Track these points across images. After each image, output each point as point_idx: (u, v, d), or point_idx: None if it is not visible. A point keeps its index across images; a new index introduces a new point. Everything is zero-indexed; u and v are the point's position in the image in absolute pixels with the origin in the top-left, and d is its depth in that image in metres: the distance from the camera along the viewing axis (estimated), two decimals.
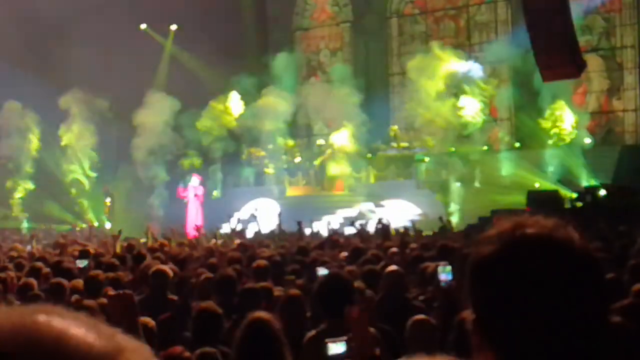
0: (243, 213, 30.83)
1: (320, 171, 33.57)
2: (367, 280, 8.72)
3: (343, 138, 32.46)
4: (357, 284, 8.02)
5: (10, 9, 32.31)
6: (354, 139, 32.30)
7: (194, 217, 30.40)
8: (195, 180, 32.03)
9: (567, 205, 24.86)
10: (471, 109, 31.26)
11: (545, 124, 30.82)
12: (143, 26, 36.58)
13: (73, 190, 35.25)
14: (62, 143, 35.32)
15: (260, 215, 29.03)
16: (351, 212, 29.12)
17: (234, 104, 34.93)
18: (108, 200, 34.73)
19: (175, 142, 34.20)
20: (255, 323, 5.40)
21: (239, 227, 25.83)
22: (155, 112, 33.12)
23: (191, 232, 27.54)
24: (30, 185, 34.86)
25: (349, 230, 22.15)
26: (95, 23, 32.59)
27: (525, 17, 19.87)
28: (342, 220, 27.57)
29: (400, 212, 28.22)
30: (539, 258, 1.81)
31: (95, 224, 32.05)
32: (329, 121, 33.97)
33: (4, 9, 32.17)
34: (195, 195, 31.83)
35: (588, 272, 1.83)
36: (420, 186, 31.07)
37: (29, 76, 32.44)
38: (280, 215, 24.50)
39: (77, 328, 1.06)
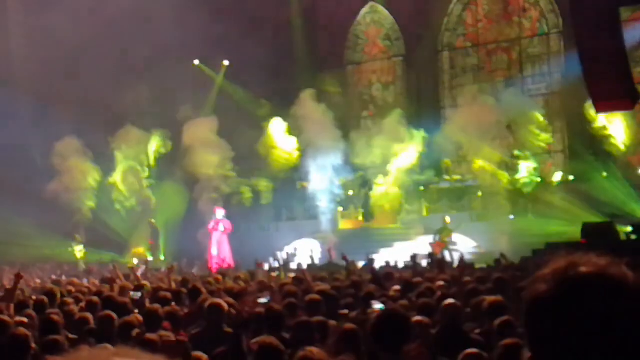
0: (286, 251, 30.67)
1: (367, 202, 33.49)
2: (423, 313, 8.73)
3: (405, 160, 32.27)
4: (416, 318, 8.04)
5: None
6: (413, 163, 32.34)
7: (218, 251, 30.34)
8: (219, 213, 31.50)
9: (623, 238, 24.50)
10: (525, 171, 31.29)
11: (599, 155, 30.55)
12: (196, 62, 37.13)
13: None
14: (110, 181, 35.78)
15: (299, 254, 28.83)
16: (411, 245, 28.90)
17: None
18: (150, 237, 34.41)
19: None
20: (306, 358, 5.38)
21: (289, 260, 25.81)
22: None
23: (213, 266, 27.55)
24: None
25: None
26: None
27: (578, 48, 19.75)
28: (412, 255, 27.45)
29: (455, 245, 28.06)
30: (593, 297, 1.82)
31: (150, 258, 31.89)
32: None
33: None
34: (217, 228, 31.13)
35: None
36: (474, 219, 30.97)
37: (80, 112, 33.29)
38: (331, 249, 24.46)
39: None
